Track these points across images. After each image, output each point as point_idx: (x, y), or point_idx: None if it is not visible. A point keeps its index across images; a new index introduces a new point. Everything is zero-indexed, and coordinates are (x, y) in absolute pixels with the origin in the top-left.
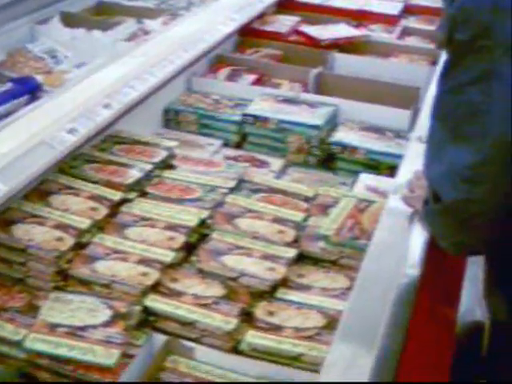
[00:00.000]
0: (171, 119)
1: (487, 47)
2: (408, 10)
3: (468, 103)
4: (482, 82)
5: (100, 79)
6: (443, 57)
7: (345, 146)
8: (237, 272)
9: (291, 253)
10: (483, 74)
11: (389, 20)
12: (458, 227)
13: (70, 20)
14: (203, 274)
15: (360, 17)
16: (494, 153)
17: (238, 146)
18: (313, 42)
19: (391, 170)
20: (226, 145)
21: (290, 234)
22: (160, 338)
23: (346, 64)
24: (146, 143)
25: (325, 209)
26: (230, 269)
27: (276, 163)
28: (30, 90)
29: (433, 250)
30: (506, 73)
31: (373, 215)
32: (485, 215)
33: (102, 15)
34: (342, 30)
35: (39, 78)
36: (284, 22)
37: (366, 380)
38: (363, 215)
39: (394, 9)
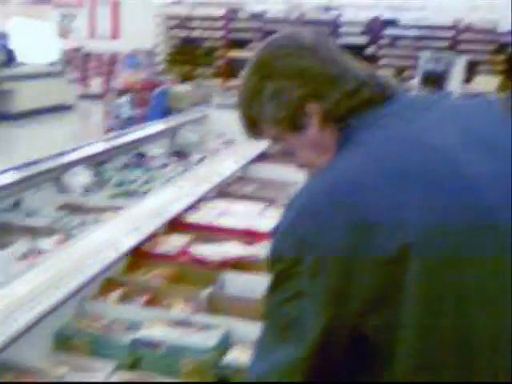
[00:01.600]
0: (62, 343)
1: (298, 273)
2: None
3: (288, 316)
4: (296, 300)
5: None
6: None
7: (237, 369)
8: None
9: None
10: (296, 293)
11: None
12: None
13: None
14: None
15: (249, 235)
16: (308, 353)
17: (131, 370)
18: (202, 263)
19: None
20: (118, 369)
21: None
22: None
23: (236, 283)
24: (35, 372)
25: None
26: None
27: None
28: None
29: None
30: (314, 292)
31: None
32: None
33: None
34: (231, 250)
35: None
36: (175, 243)
37: None
38: None
39: None
